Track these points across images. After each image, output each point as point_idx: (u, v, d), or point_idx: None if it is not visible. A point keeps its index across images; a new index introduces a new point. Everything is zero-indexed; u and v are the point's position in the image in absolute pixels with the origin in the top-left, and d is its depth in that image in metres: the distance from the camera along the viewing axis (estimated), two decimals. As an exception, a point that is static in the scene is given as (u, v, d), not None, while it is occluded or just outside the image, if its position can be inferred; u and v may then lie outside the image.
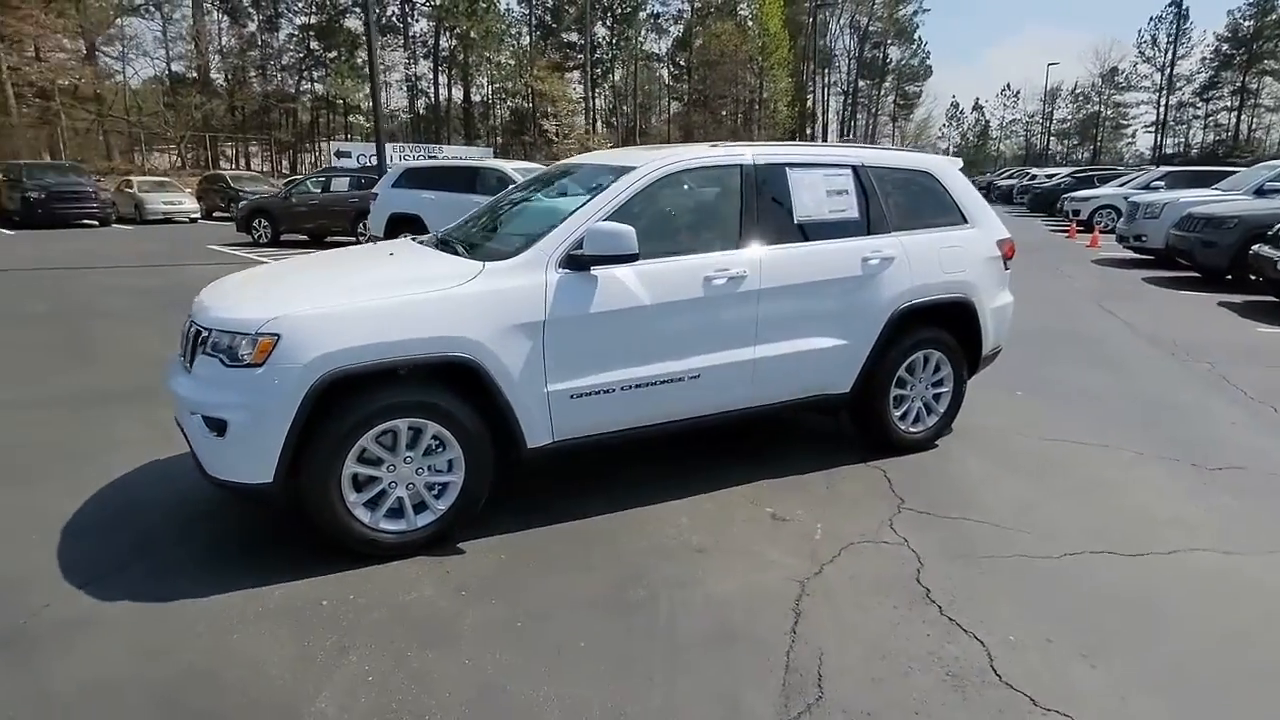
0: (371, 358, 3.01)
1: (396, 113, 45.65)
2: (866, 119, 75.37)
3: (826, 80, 71.46)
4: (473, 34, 44.00)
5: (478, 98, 48.61)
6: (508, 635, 2.71)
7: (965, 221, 4.52)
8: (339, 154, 37.47)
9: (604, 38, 53.32)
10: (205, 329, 3.10)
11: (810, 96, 64.48)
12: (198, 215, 23.19)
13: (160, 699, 2.37)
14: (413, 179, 12.16)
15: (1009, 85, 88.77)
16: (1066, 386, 5.82)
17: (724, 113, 62.04)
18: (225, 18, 41.09)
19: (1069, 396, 5.59)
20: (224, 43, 41.61)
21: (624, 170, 3.72)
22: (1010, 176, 37.03)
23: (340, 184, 17.15)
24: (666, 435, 3.87)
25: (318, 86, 40.36)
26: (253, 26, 40.73)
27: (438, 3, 42.94)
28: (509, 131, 47.02)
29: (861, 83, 72.61)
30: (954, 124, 79.75)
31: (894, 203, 4.30)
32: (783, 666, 2.54)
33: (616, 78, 56.58)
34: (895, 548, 3.36)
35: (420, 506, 3.26)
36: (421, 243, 4.05)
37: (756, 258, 3.79)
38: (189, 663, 2.54)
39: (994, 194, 35.51)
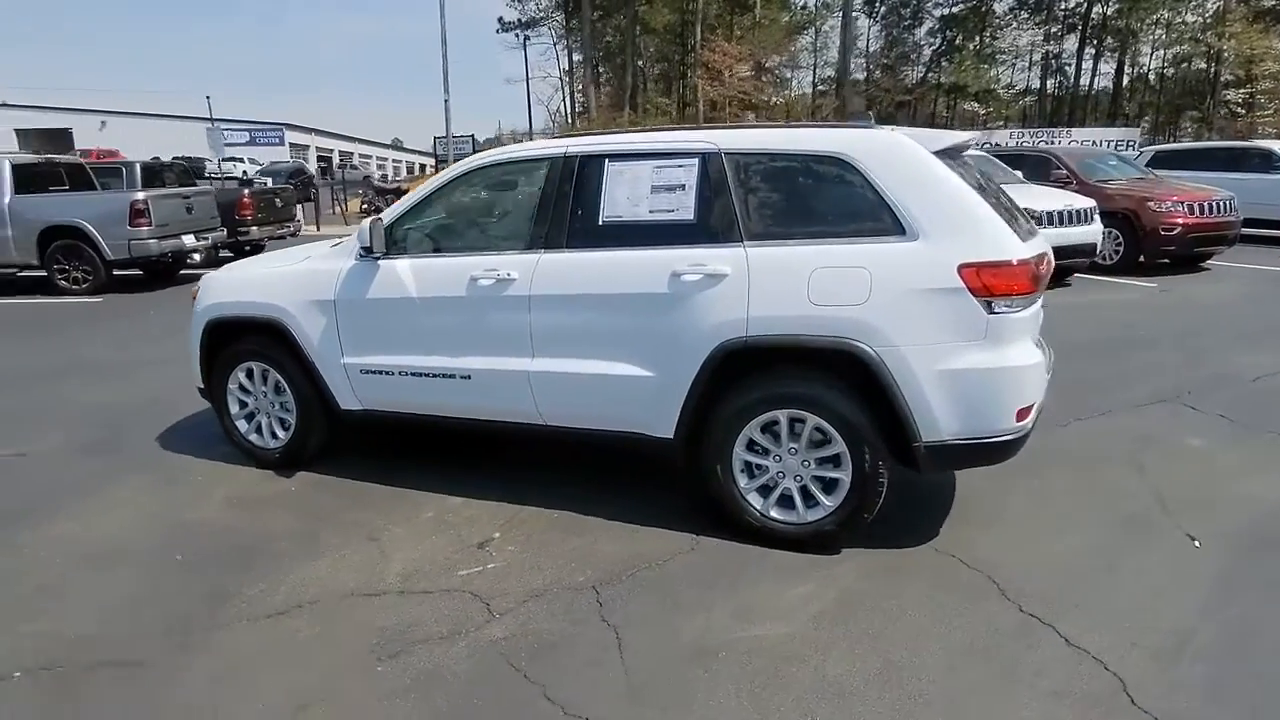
0: (226, 312, 4.08)
1: (1022, 95, 42.15)
2: None
3: None
4: (1139, -7, 36.97)
5: (1131, 70, 40.82)
6: (154, 532, 3.50)
7: (902, 232, 2.90)
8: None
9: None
10: (203, 283, 4.62)
11: None
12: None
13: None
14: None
15: None
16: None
17: None
18: (873, 23, 44.44)
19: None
20: (868, 47, 45.24)
21: None
22: None
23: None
24: (485, 432, 3.81)
25: (942, 78, 40.16)
26: (897, 30, 43.03)
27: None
28: (1171, 108, 38.31)
29: None
30: None
31: (759, 202, 3.10)
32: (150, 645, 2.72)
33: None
34: (468, 605, 2.79)
35: (273, 434, 4.20)
36: None
37: (531, 261, 3.39)
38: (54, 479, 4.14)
39: None
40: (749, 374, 3.11)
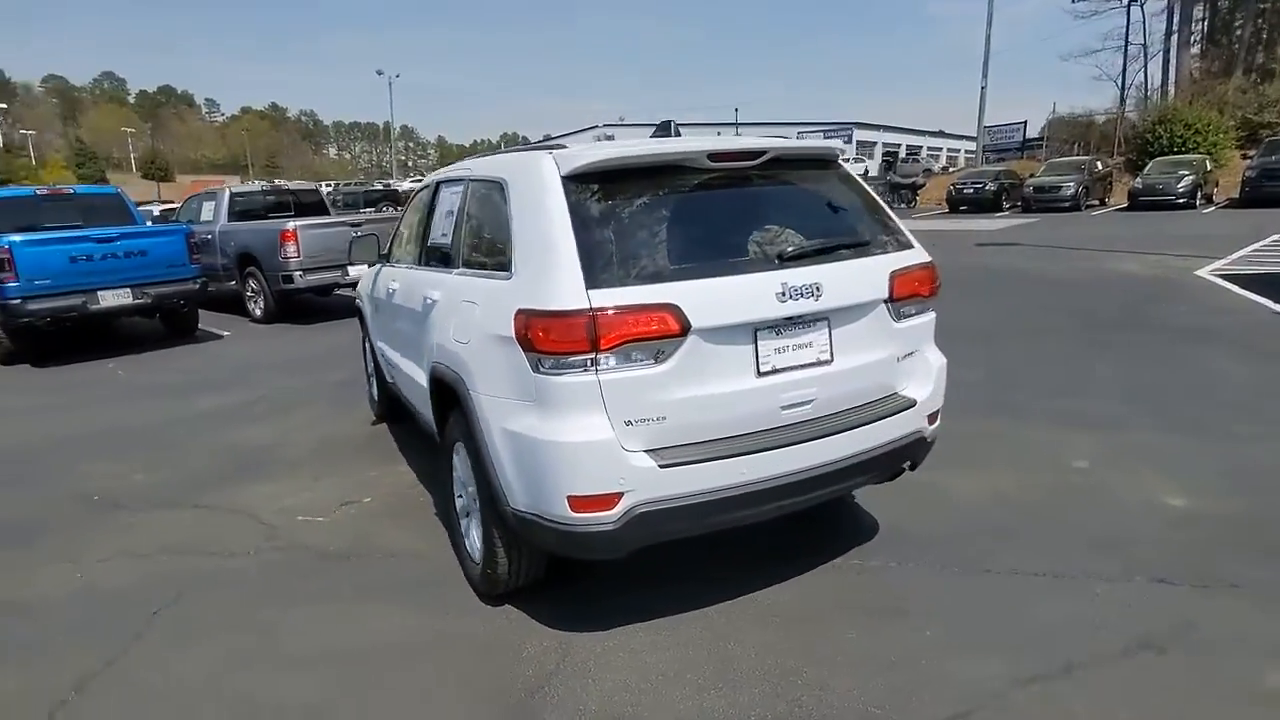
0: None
1: None
2: None
3: None
4: None
5: None
6: (271, 442, 5.11)
7: (508, 268, 2.53)
8: None
9: None
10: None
11: None
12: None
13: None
14: None
15: None
16: None
17: None
18: None
19: None
20: None
21: None
22: None
23: None
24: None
25: None
26: None
27: None
28: None
29: None
30: None
31: (470, 229, 3.06)
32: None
33: None
34: (260, 538, 3.57)
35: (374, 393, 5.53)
36: None
37: (405, 275, 3.91)
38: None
39: None
40: (449, 399, 3.11)
